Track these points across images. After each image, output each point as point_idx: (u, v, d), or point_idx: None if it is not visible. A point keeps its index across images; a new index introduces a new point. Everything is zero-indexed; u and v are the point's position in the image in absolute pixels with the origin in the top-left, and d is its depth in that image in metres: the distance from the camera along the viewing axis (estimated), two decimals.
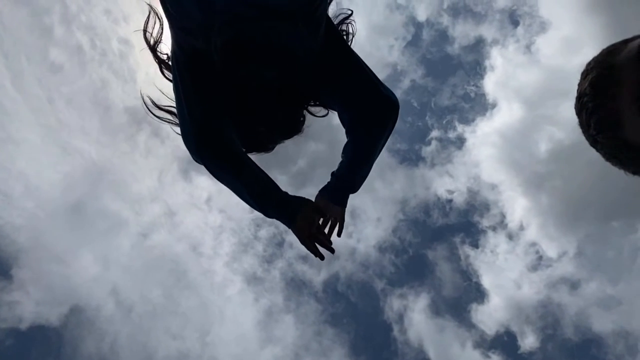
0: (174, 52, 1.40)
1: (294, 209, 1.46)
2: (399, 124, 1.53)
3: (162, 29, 1.44)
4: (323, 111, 1.60)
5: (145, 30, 1.44)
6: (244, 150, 1.54)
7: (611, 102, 0.71)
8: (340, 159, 1.59)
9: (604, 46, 0.76)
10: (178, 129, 1.45)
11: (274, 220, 1.50)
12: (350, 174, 1.56)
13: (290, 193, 1.51)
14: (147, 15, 1.43)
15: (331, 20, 1.48)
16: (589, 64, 0.77)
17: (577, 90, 0.79)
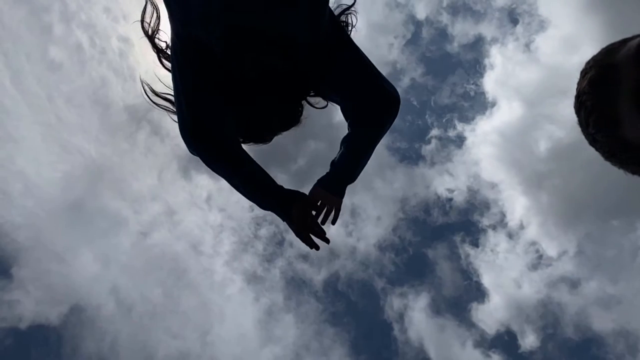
0: (173, 43, 1.40)
1: (289, 202, 1.50)
2: (398, 123, 1.54)
3: (160, 19, 1.44)
4: (322, 102, 1.60)
5: (142, 20, 1.44)
6: (242, 140, 1.55)
7: (610, 100, 0.71)
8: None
9: (603, 45, 0.76)
10: (176, 117, 1.45)
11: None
12: (350, 165, 1.57)
13: None
14: (144, 4, 1.42)
15: (332, 11, 1.48)
16: (588, 62, 0.77)
17: (576, 89, 0.79)
